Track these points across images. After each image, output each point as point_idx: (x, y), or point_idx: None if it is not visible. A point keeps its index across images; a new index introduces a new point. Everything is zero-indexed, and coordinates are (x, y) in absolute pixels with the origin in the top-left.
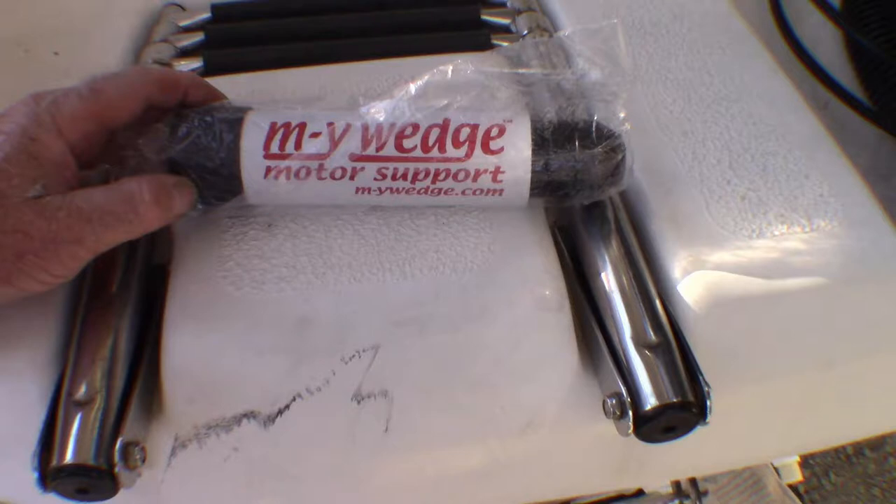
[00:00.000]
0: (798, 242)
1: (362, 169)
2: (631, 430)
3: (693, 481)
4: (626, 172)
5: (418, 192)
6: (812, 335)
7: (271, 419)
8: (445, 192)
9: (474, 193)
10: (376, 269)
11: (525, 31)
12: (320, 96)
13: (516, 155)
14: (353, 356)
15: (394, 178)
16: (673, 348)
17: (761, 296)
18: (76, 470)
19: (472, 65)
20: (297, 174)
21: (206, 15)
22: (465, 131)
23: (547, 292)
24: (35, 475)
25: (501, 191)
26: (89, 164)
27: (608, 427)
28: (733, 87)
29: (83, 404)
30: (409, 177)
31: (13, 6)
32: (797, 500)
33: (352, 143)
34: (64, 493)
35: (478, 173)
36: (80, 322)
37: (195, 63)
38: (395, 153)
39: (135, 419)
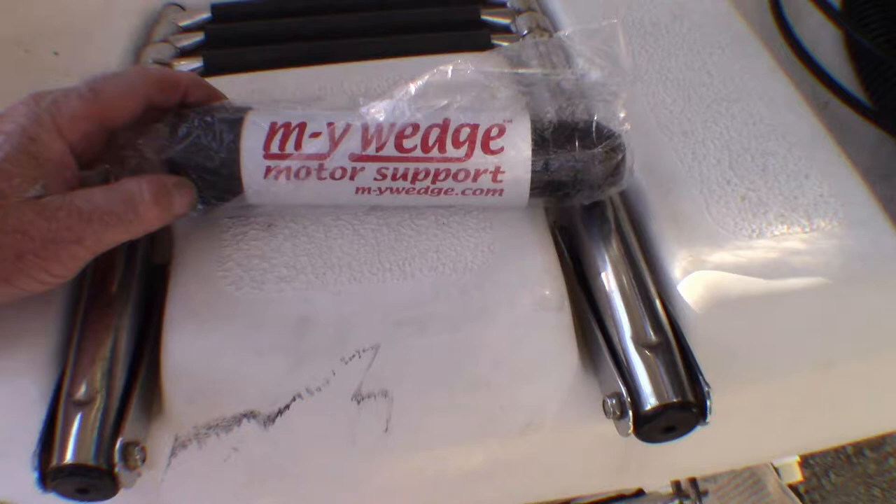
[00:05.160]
0: (798, 242)
1: (362, 169)
2: (631, 430)
3: (693, 481)
4: (626, 172)
5: (418, 192)
6: (812, 335)
7: (271, 419)
8: (445, 192)
9: (474, 193)
10: (376, 269)
11: (525, 31)
12: (320, 96)
13: (516, 155)
14: (353, 356)
15: (394, 178)
16: (673, 348)
17: (761, 296)
18: (76, 470)
19: (472, 65)
20: (297, 174)
21: (206, 15)
22: (465, 131)
23: (547, 292)
24: (35, 475)
25: (501, 191)
26: (89, 164)
27: (608, 427)
28: (733, 87)
29: (83, 404)
30: (409, 177)
31: (13, 6)
32: (797, 500)
33: (352, 143)
34: (64, 493)
35: (478, 173)
36: (80, 322)
37: (195, 63)
38: (395, 153)
39: (135, 419)
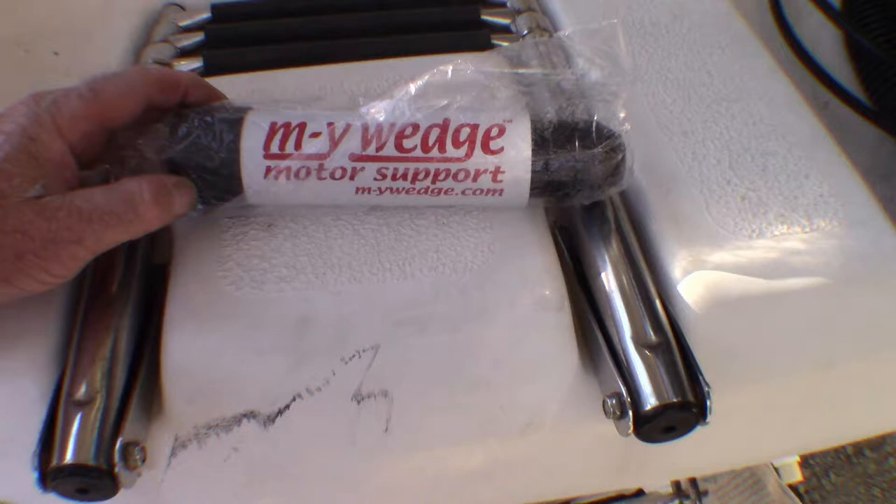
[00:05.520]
0: (798, 242)
1: (362, 169)
2: (631, 430)
3: (693, 481)
4: (626, 172)
5: (418, 192)
6: (812, 335)
7: (271, 419)
8: (445, 192)
9: (474, 193)
10: (376, 269)
11: (525, 31)
12: (320, 96)
13: (516, 155)
14: (353, 356)
15: (394, 178)
16: (673, 348)
17: (761, 296)
18: (76, 470)
19: (472, 65)
20: (297, 174)
21: (206, 15)
22: (465, 131)
23: (547, 292)
24: (35, 475)
25: (501, 191)
26: (89, 164)
27: (608, 427)
28: (733, 87)
29: (83, 404)
30: (409, 177)
31: (13, 6)
32: (797, 500)
33: (352, 143)
34: (64, 493)
35: (478, 173)
36: (80, 322)
37: (195, 63)
38: (395, 153)
39: (135, 419)
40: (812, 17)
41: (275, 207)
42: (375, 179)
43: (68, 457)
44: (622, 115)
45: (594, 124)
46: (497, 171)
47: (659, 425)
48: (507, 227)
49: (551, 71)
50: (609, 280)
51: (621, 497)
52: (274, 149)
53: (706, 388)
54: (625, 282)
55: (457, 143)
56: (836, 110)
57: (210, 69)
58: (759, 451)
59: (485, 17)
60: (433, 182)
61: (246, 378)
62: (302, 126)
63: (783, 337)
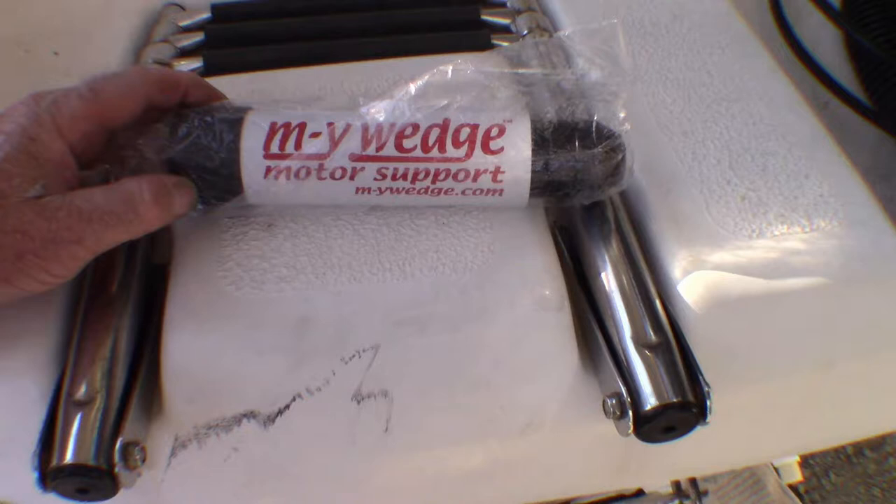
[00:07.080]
0: (798, 242)
1: (362, 169)
2: (631, 430)
3: (693, 481)
4: (626, 172)
5: (418, 192)
6: (812, 335)
7: (271, 419)
8: (445, 192)
9: (474, 193)
10: (376, 269)
11: (525, 31)
12: (320, 96)
13: (516, 155)
14: (353, 356)
15: (394, 178)
16: (673, 348)
17: (761, 296)
18: (76, 470)
19: (472, 65)
20: (297, 174)
21: (206, 15)
22: (465, 131)
23: (547, 292)
24: (35, 475)
25: (501, 191)
26: (89, 164)
27: (608, 427)
28: (733, 87)
29: (83, 404)
30: (409, 177)
31: (13, 6)
32: (797, 500)
33: (352, 143)
34: (64, 493)
35: (478, 173)
36: (80, 322)
37: (195, 63)
38: (395, 153)
39: (135, 419)
40: (812, 17)
41: (275, 207)
42: (375, 179)
43: (68, 457)
44: (622, 115)
45: (594, 124)
46: (497, 171)
47: (659, 425)
48: (507, 227)
49: (551, 71)
50: (609, 280)
51: (621, 497)
52: (274, 149)
53: (706, 388)
54: (625, 282)
55: (457, 143)
56: (836, 110)
57: (210, 69)
58: (759, 451)
59: (485, 17)
60: (433, 182)
61: (246, 378)
62: (302, 126)
63: (783, 337)
